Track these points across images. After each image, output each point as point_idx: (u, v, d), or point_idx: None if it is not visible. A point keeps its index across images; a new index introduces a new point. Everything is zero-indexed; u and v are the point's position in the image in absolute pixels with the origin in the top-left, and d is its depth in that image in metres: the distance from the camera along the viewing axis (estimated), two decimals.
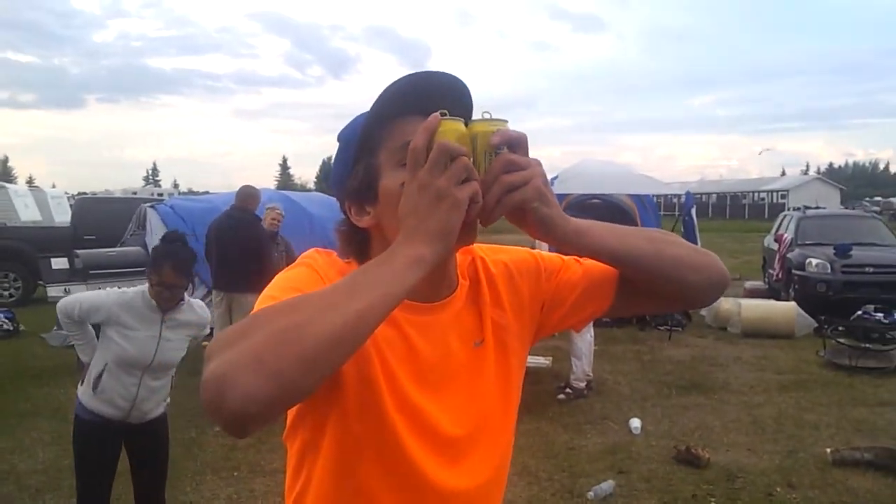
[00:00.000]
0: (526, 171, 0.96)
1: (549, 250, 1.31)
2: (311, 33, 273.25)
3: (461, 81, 1.05)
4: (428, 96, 1.00)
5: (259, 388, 0.76)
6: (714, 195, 65.83)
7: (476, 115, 1.03)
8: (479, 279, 1.16)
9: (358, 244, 1.09)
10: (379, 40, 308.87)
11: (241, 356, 0.77)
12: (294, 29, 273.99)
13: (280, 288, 0.99)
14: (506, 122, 1.00)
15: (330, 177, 1.14)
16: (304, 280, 1.01)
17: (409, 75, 1.03)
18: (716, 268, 1.15)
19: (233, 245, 6.53)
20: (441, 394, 1.08)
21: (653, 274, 1.12)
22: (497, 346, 1.15)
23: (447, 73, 1.04)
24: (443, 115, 0.95)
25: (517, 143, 0.98)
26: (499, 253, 1.22)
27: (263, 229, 6.64)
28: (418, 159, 0.93)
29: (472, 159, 0.95)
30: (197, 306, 3.55)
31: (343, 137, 1.11)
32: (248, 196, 6.76)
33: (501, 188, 0.95)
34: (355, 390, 1.01)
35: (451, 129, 0.94)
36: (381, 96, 1.03)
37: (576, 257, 1.23)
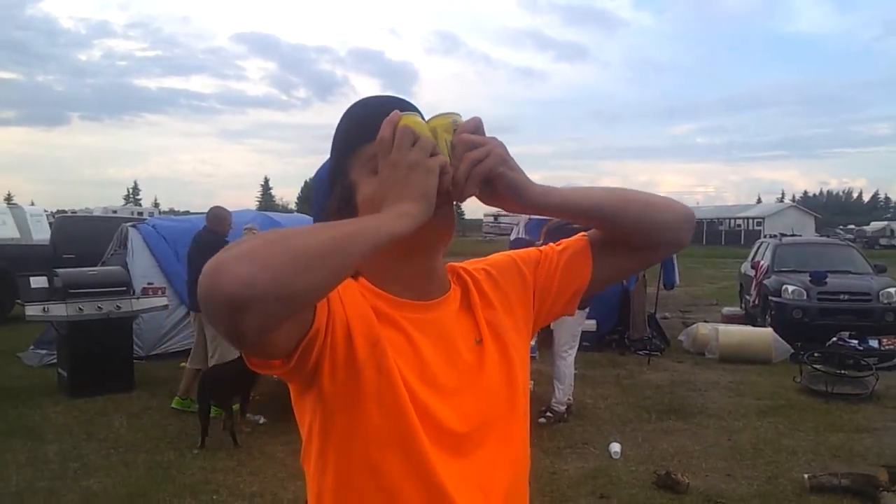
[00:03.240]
0: (487, 146, 1.03)
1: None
2: (297, 55, 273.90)
3: (409, 103, 1.11)
4: (374, 119, 1.05)
5: (253, 274, 0.78)
6: None
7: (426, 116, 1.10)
8: (468, 286, 1.20)
9: None
10: (366, 64, 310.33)
11: (233, 252, 0.81)
12: (281, 51, 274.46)
13: None
14: (458, 114, 1.07)
15: (313, 220, 1.19)
16: None
17: (363, 102, 1.12)
18: (678, 205, 1.23)
19: (200, 266, 6.54)
20: (445, 391, 1.08)
21: (622, 221, 1.18)
22: (496, 341, 1.17)
23: (396, 97, 1.11)
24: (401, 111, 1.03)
25: (475, 128, 1.06)
26: (477, 263, 1.27)
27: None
28: (386, 148, 1.00)
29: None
30: None
31: (317, 179, 1.19)
32: (216, 217, 6.76)
33: (468, 164, 1.02)
34: (374, 379, 1.01)
35: (411, 121, 1.01)
36: (342, 127, 1.12)
37: (552, 244, 1.30)
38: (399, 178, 0.98)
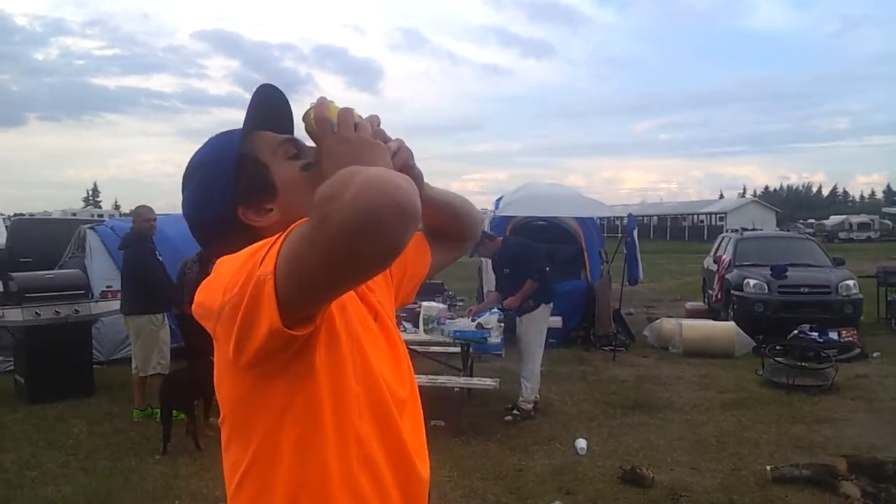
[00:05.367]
0: (397, 140, 1.15)
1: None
2: (260, 53, 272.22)
3: (283, 93, 1.23)
4: (274, 109, 1.19)
5: (417, 194, 0.86)
6: (655, 217, 67.12)
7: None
8: None
9: None
10: (329, 61, 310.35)
11: (398, 177, 0.87)
12: (243, 49, 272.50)
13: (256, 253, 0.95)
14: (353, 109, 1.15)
15: (192, 204, 1.19)
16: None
17: (262, 89, 1.18)
18: (476, 208, 1.49)
19: (125, 267, 6.61)
20: (384, 361, 1.15)
21: (458, 214, 1.41)
22: (388, 318, 1.26)
23: (276, 88, 1.20)
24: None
25: (378, 123, 1.14)
26: None
27: (147, 250, 6.50)
28: (327, 127, 1.07)
29: None
30: None
31: (205, 160, 1.19)
32: (136, 216, 6.72)
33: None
34: (349, 347, 1.06)
35: (333, 108, 1.10)
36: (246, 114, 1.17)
37: None
38: (353, 153, 1.03)
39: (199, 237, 1.20)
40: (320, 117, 1.08)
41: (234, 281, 0.92)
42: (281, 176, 1.14)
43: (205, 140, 1.22)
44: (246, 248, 1.00)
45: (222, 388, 1.07)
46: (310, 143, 1.16)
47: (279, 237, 0.91)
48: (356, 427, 1.05)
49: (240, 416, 1.06)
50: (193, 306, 1.05)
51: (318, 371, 1.01)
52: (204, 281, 1.04)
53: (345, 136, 1.05)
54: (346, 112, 1.07)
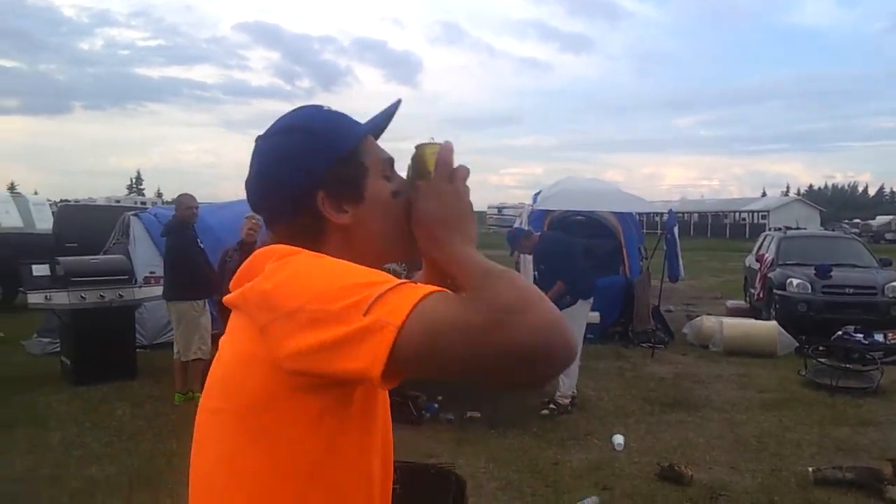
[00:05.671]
0: None
1: None
2: (301, 45, 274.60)
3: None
4: (385, 122, 1.18)
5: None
6: (696, 214, 66.30)
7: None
8: None
9: (312, 240, 1.07)
10: (369, 53, 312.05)
11: (555, 309, 0.86)
12: (284, 41, 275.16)
13: (341, 274, 0.93)
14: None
15: (275, 160, 1.10)
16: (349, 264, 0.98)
17: (393, 107, 1.18)
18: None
19: (167, 254, 6.77)
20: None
21: None
22: None
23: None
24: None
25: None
26: None
27: (189, 237, 6.62)
28: (445, 171, 1.08)
29: None
30: None
31: (315, 128, 1.11)
32: (178, 204, 6.82)
33: None
34: (382, 395, 1.10)
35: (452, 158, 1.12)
36: (378, 115, 1.16)
37: None
38: (458, 209, 1.06)
39: (258, 200, 1.12)
40: (444, 160, 1.09)
41: (333, 297, 0.88)
42: (372, 190, 1.10)
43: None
44: (343, 262, 0.97)
45: (243, 378, 0.99)
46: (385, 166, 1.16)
47: (406, 287, 0.88)
48: (371, 462, 1.07)
49: (259, 413, 0.98)
50: (248, 289, 0.98)
51: (354, 412, 1.00)
52: (271, 268, 0.97)
53: (458, 188, 1.07)
54: (465, 169, 1.10)
